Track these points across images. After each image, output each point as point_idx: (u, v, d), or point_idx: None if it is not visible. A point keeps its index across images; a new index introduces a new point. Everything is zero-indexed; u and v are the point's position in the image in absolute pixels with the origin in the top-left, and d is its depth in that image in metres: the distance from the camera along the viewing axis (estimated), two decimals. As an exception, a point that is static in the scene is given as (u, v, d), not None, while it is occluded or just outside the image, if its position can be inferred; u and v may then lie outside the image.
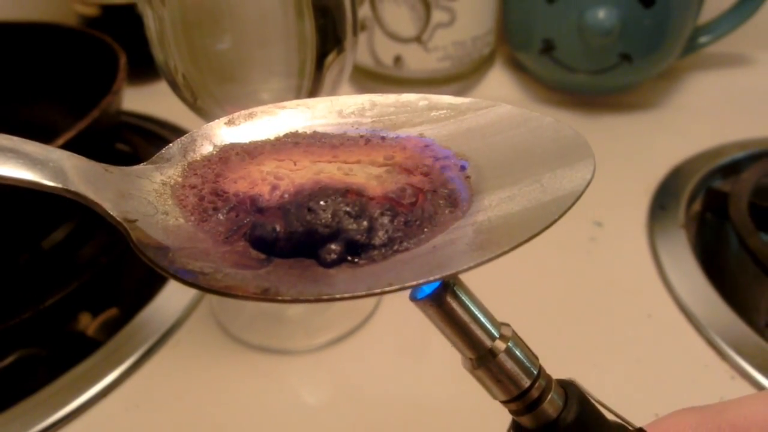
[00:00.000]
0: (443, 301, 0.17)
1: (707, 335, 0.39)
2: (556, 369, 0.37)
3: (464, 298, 0.18)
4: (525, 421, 0.19)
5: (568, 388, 0.20)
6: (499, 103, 0.20)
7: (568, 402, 0.19)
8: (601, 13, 0.54)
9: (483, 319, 0.18)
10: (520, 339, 0.19)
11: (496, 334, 0.18)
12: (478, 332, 0.18)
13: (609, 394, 0.35)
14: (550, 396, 0.19)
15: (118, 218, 0.16)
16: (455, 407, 0.35)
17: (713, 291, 0.41)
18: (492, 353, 0.18)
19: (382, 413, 0.36)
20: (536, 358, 0.19)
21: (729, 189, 0.48)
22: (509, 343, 0.18)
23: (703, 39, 0.63)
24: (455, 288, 0.18)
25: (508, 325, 0.19)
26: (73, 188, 0.15)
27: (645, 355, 0.38)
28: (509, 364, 0.18)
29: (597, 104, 0.64)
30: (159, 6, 0.31)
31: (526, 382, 0.19)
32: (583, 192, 0.16)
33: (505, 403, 0.19)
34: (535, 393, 0.19)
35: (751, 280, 0.45)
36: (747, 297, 0.44)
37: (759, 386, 0.36)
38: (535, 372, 0.19)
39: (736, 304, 0.40)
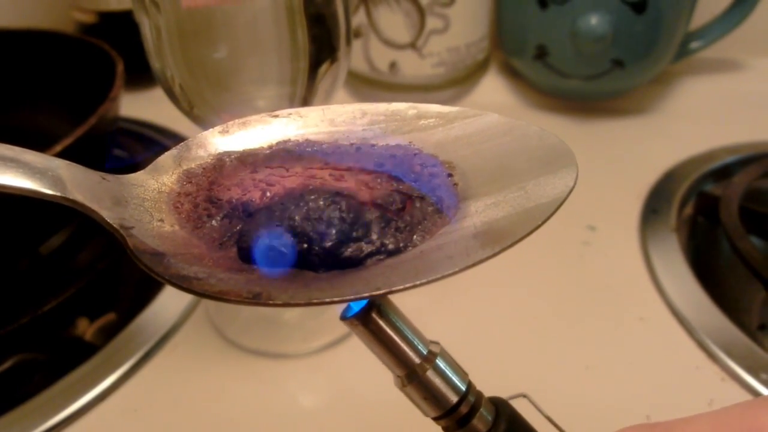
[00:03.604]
0: (369, 319, 0.18)
1: (698, 338, 0.39)
2: (549, 371, 0.38)
3: (391, 316, 0.18)
4: None
5: (500, 405, 0.20)
6: (486, 112, 0.20)
7: (498, 418, 0.19)
8: (594, 20, 0.55)
9: (410, 337, 0.19)
10: (449, 356, 0.20)
11: (423, 351, 0.19)
12: (406, 350, 0.18)
13: (601, 396, 0.36)
14: (479, 412, 0.19)
15: (114, 225, 0.16)
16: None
17: (704, 294, 0.42)
18: (420, 370, 0.19)
19: (378, 417, 0.36)
20: (465, 375, 0.20)
21: (720, 193, 0.48)
22: (437, 360, 0.19)
23: (694, 44, 0.63)
24: (381, 306, 0.18)
25: (437, 342, 0.20)
26: (71, 197, 0.16)
27: (637, 357, 0.39)
28: (437, 381, 0.19)
29: (590, 109, 0.65)
30: (155, 15, 0.32)
31: (455, 399, 0.19)
32: (565, 199, 0.16)
33: (435, 419, 0.20)
34: (464, 409, 0.19)
35: (741, 283, 0.45)
36: (738, 300, 0.45)
37: (749, 388, 0.36)
38: (464, 388, 0.19)
39: (726, 306, 0.41)
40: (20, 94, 0.57)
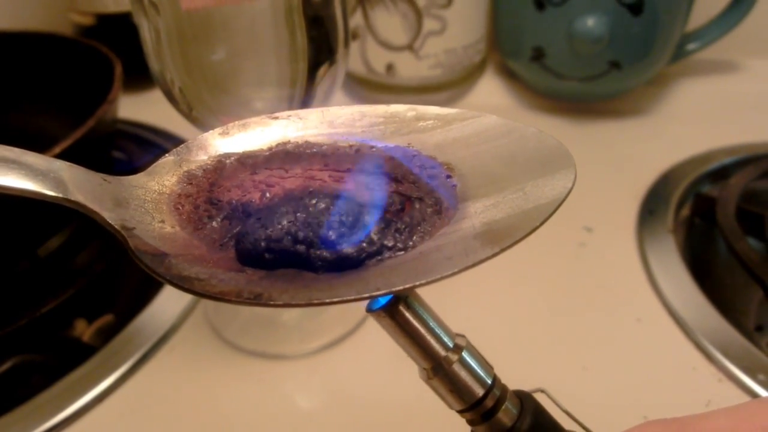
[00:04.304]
0: (396, 311, 0.18)
1: (695, 338, 0.39)
2: (546, 372, 0.38)
3: (418, 308, 0.18)
4: (480, 430, 0.20)
5: (524, 398, 0.20)
6: (485, 114, 0.20)
7: (523, 412, 0.19)
8: (591, 21, 0.55)
9: (437, 330, 0.19)
10: (475, 349, 0.20)
11: (450, 344, 0.19)
12: (432, 342, 0.18)
13: (599, 397, 0.36)
14: (504, 406, 0.19)
15: (116, 226, 0.16)
16: (449, 411, 0.36)
17: (701, 295, 0.42)
18: (446, 363, 0.19)
19: (376, 418, 0.36)
20: (491, 367, 0.20)
21: (717, 194, 0.49)
22: (463, 353, 0.19)
23: (691, 46, 0.63)
24: (408, 299, 0.18)
25: (463, 335, 0.19)
26: (73, 198, 0.16)
27: (634, 358, 0.39)
28: (463, 374, 0.19)
29: (587, 111, 0.65)
30: (154, 17, 0.32)
31: (480, 392, 0.19)
32: (563, 200, 0.16)
33: (460, 412, 0.20)
34: (489, 402, 0.19)
35: (738, 284, 0.45)
36: (734, 301, 0.45)
37: (746, 388, 0.36)
38: (490, 381, 0.19)
39: (723, 307, 0.41)
40: (19, 96, 0.57)
